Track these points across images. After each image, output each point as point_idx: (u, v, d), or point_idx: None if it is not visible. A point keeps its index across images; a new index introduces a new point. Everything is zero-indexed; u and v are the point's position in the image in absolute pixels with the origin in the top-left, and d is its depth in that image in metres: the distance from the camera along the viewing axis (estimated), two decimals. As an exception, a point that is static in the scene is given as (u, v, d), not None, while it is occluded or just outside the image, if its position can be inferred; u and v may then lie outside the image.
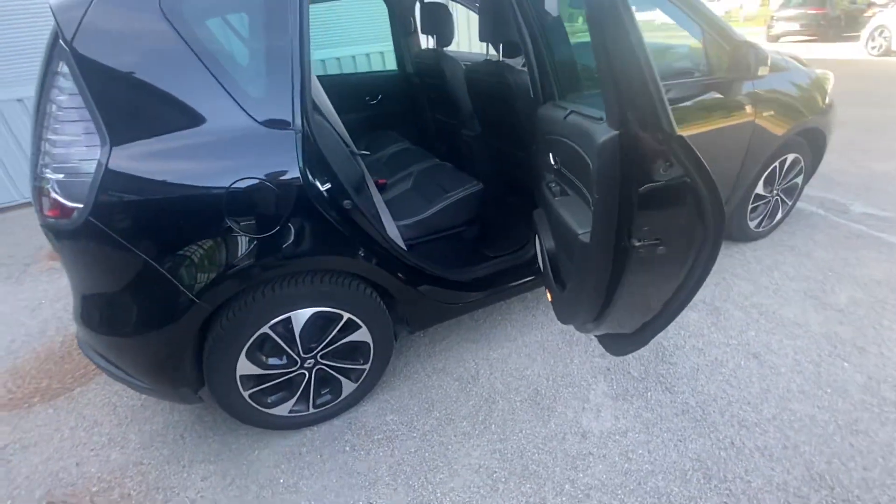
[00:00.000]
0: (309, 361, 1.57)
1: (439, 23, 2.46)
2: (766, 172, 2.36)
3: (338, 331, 1.56)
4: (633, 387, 1.77)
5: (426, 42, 2.95)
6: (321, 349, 1.57)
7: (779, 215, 2.65)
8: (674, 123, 1.00)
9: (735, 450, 1.50)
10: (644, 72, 0.96)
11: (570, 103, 1.53)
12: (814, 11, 10.99)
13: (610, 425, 1.63)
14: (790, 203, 2.65)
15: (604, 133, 1.09)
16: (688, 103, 1.92)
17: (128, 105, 1.17)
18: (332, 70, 4.94)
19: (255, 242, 1.30)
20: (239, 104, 1.25)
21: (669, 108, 0.99)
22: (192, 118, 1.22)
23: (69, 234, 1.19)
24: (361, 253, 1.50)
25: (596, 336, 1.61)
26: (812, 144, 2.48)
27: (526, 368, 1.90)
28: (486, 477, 1.49)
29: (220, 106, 1.23)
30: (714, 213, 1.07)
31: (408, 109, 3.21)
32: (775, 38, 11.83)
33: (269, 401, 1.58)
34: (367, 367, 1.70)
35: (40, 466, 1.63)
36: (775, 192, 2.52)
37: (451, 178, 2.15)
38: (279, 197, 1.29)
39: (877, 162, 3.57)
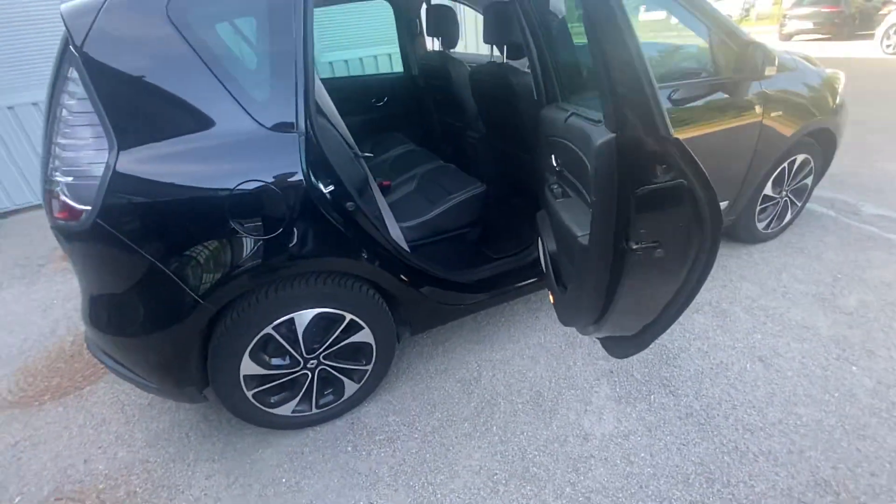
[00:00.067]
0: (312, 362, 1.58)
1: (445, 25, 2.47)
2: (775, 173, 2.34)
3: (340, 332, 1.58)
4: (636, 389, 1.76)
5: (432, 44, 2.96)
6: (324, 350, 1.58)
7: (788, 217, 2.62)
8: (670, 126, 1.00)
9: (739, 454, 1.49)
10: (640, 75, 0.96)
11: (571, 105, 1.53)
12: (827, 9, 10.83)
13: (612, 428, 1.62)
14: (800, 204, 2.61)
15: (601, 135, 1.10)
16: (695, 104, 1.91)
17: (135, 109, 1.20)
18: (340, 72, 4.98)
19: (259, 244, 1.32)
20: (243, 108, 1.27)
21: (665, 111, 0.99)
22: (197, 122, 1.24)
23: (78, 236, 1.22)
24: (364, 254, 1.51)
25: (598, 338, 1.60)
26: (822, 145, 2.44)
27: (528, 370, 1.90)
28: (486, 478, 1.49)
29: (225, 110, 1.25)
30: (711, 216, 1.06)
31: (413, 111, 3.23)
32: (788, 37, 11.68)
33: (272, 401, 1.59)
34: (369, 368, 1.71)
35: (49, 463, 1.66)
36: (784, 193, 2.48)
37: (455, 180, 2.16)
38: (283, 199, 1.31)
39: (890, 162, 3.51)
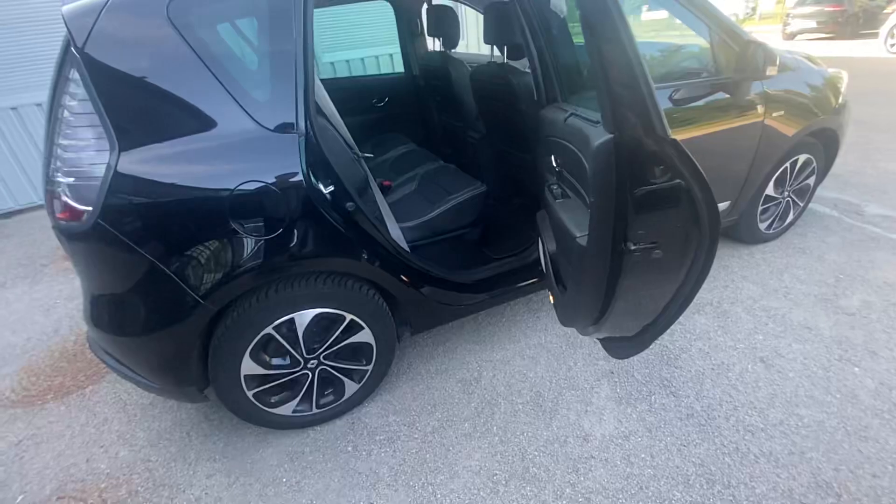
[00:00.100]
0: (312, 362, 1.59)
1: (445, 25, 2.47)
2: (777, 173, 2.33)
3: (341, 332, 1.58)
4: (636, 390, 1.76)
5: (432, 44, 2.96)
6: (324, 350, 1.58)
7: (790, 217, 2.61)
8: (667, 127, 0.99)
9: (740, 455, 1.48)
10: (637, 75, 0.96)
11: (571, 106, 1.53)
12: (831, 8, 10.79)
13: (612, 429, 1.62)
14: (802, 204, 2.60)
15: (599, 136, 1.10)
16: (695, 104, 1.90)
17: (136, 110, 1.21)
18: (342, 72, 4.99)
19: (259, 244, 1.32)
20: (243, 108, 1.27)
21: (662, 111, 0.98)
22: (197, 123, 1.24)
23: (79, 237, 1.22)
24: (364, 255, 1.52)
25: (598, 339, 1.60)
26: (825, 145, 2.43)
27: (528, 371, 1.90)
28: (486, 479, 1.49)
29: (225, 111, 1.26)
30: (709, 217, 1.06)
31: (414, 111, 3.23)
32: (791, 36, 11.64)
33: (272, 400, 1.60)
34: (369, 368, 1.71)
35: (52, 462, 1.67)
36: (786, 193, 2.47)
37: (455, 180, 2.16)
38: (283, 200, 1.31)
39: (894, 162, 3.49)
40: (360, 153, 1.82)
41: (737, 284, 2.30)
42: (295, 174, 1.31)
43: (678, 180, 1.04)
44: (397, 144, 2.81)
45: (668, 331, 1.94)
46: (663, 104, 1.82)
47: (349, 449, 1.64)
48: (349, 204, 1.41)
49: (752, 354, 1.87)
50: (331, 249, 1.46)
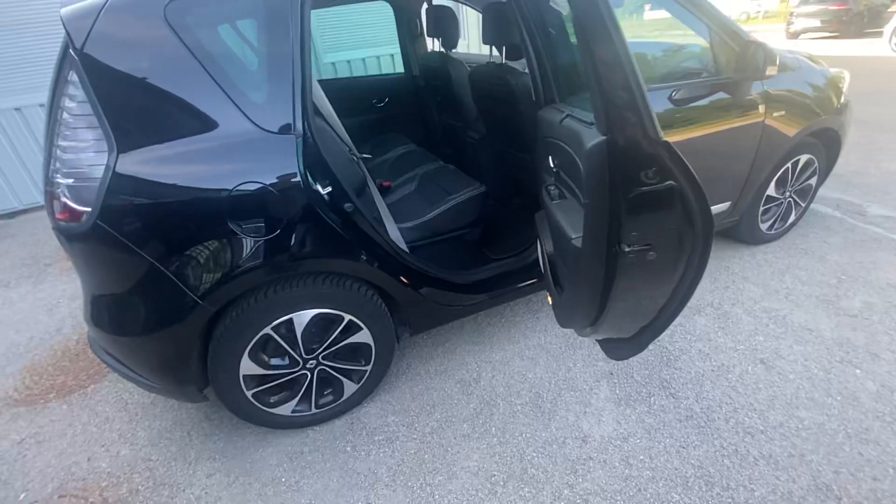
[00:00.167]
0: (311, 362, 1.59)
1: (445, 25, 2.47)
2: (778, 174, 2.32)
3: (339, 332, 1.58)
4: (636, 391, 1.75)
5: (432, 45, 2.96)
6: (323, 350, 1.59)
7: (792, 217, 2.59)
8: (659, 129, 0.99)
9: (739, 457, 1.48)
10: (629, 78, 0.96)
11: (567, 106, 1.52)
12: (835, 7, 10.72)
13: (611, 430, 1.61)
14: (803, 205, 2.58)
15: (592, 137, 1.10)
16: (695, 104, 1.90)
17: (134, 112, 1.21)
18: (343, 72, 5.00)
19: (257, 245, 1.33)
20: (241, 109, 1.28)
21: (654, 113, 0.98)
22: (195, 124, 1.25)
23: (78, 237, 1.23)
24: (363, 255, 1.52)
25: (597, 340, 1.60)
26: (826, 145, 2.42)
27: (528, 371, 1.90)
28: (484, 480, 1.49)
29: (223, 112, 1.26)
30: (702, 218, 1.06)
31: (414, 112, 3.23)
32: (794, 35, 11.58)
33: (271, 400, 1.60)
34: (368, 368, 1.71)
35: (54, 461, 1.68)
36: (788, 193, 2.46)
37: (455, 181, 2.16)
38: (281, 200, 1.32)
39: (897, 162, 3.47)
40: (357, 154, 1.82)
41: (738, 285, 2.29)
42: (293, 175, 1.31)
43: (670, 182, 1.04)
44: (397, 145, 2.82)
45: (668, 332, 1.94)
46: (663, 104, 1.82)
47: (348, 449, 1.64)
48: (347, 205, 1.42)
49: (753, 356, 1.86)
50: (329, 250, 1.46)
